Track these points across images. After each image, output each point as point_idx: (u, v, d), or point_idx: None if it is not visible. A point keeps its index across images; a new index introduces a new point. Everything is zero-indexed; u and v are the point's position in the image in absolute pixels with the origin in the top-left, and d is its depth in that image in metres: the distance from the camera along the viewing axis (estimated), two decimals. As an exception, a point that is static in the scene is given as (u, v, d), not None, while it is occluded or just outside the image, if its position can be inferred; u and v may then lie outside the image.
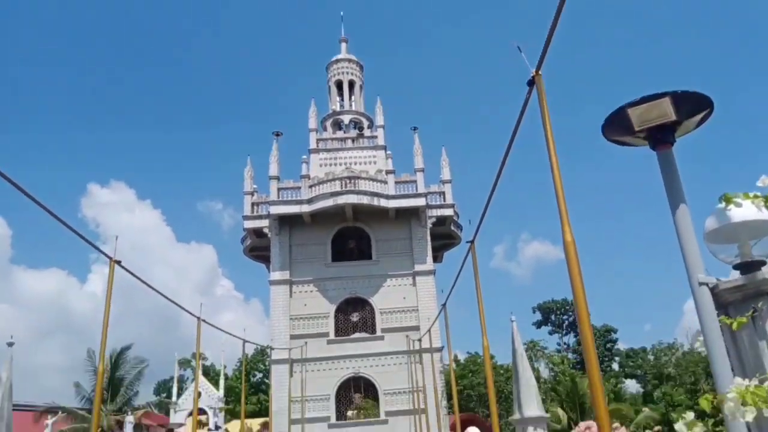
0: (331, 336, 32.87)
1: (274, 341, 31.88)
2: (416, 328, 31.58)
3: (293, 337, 32.24)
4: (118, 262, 10.82)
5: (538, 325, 61.75)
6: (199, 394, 56.50)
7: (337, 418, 32.02)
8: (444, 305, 17.19)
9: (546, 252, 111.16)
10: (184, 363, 68.39)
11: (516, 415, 6.96)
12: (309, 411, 31.42)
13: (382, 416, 31.87)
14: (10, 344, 9.83)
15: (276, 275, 33.28)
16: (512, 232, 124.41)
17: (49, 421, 33.13)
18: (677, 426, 3.18)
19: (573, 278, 6.74)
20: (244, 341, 22.99)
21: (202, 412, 51.66)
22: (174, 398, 54.25)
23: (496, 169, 7.16)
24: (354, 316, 33.44)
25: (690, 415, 3.15)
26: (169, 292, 15.15)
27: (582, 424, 6.69)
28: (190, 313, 15.54)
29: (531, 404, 6.93)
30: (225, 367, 63.63)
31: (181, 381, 60.11)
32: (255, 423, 48.01)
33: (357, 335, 33.01)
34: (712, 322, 3.60)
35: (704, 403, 3.03)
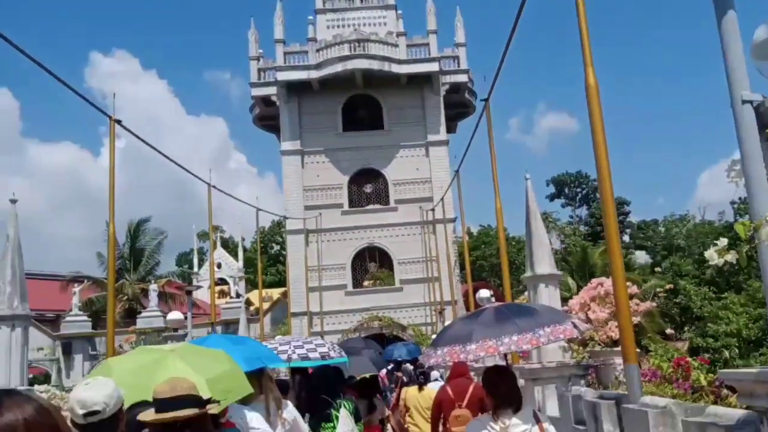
0: (345, 207, 32.97)
1: (288, 212, 32.08)
2: (429, 200, 31.50)
3: (307, 207, 32.39)
4: (119, 122, 10.48)
5: (551, 198, 61.76)
6: (219, 264, 58.39)
7: (354, 286, 32.82)
8: (457, 171, 16.87)
9: (562, 124, 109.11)
10: (203, 235, 70.13)
11: (528, 273, 6.74)
12: (326, 279, 32.15)
13: (397, 284, 32.65)
14: (13, 201, 9.69)
15: (287, 145, 32.88)
16: (528, 104, 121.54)
17: (76, 289, 34.30)
18: (707, 253, 2.86)
19: (594, 124, 6.26)
20: (258, 209, 23.05)
21: (222, 282, 53.46)
22: (195, 269, 55.94)
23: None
24: (367, 187, 33.35)
25: (723, 242, 2.82)
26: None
27: (594, 281, 6.42)
28: (200, 179, 15.38)
29: (543, 262, 6.69)
30: (243, 239, 65.27)
31: (202, 253, 61.92)
32: (275, 292, 49.75)
33: (371, 206, 33.15)
34: (754, 144, 3.17)
35: (740, 229, 2.71)
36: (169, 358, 4.19)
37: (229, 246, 64.53)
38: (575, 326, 4.29)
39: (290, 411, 5.20)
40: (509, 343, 4.05)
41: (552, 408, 6.33)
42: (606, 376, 6.48)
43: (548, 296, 6.64)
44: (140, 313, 32.29)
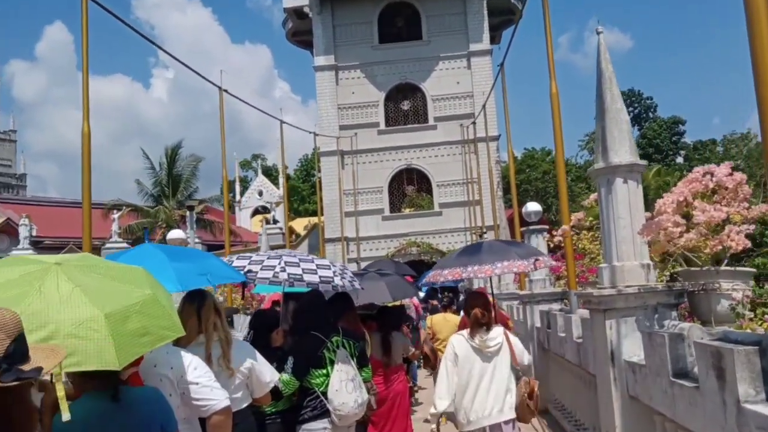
0: (382, 126, 30.93)
1: (322, 129, 30.29)
2: (470, 116, 29.08)
3: (342, 127, 30.50)
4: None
5: None
6: (260, 192, 57.62)
7: (391, 211, 31.27)
8: (501, 65, 14.61)
9: (614, 41, 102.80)
10: (245, 164, 69.37)
11: (599, 164, 4.74)
12: (362, 204, 30.64)
13: (436, 208, 30.91)
14: None
15: (320, 60, 30.67)
16: (579, 20, 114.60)
17: (115, 215, 33.90)
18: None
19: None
20: (282, 122, 21.33)
21: (264, 210, 52.83)
22: (237, 197, 55.56)
23: None
24: (405, 104, 31.12)
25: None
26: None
27: (698, 169, 4.52)
28: (211, 82, 13.61)
29: (622, 146, 4.69)
30: (287, 167, 64.18)
31: (245, 181, 61.20)
32: (316, 220, 48.72)
33: (408, 125, 31.04)
34: None
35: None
36: (49, 275, 2.51)
37: (272, 174, 63.70)
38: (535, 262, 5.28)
39: (243, 355, 3.57)
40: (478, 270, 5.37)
41: (631, 350, 4.54)
42: (705, 307, 4.63)
43: (628, 196, 4.72)
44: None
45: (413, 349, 7.09)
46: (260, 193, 56.74)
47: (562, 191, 7.87)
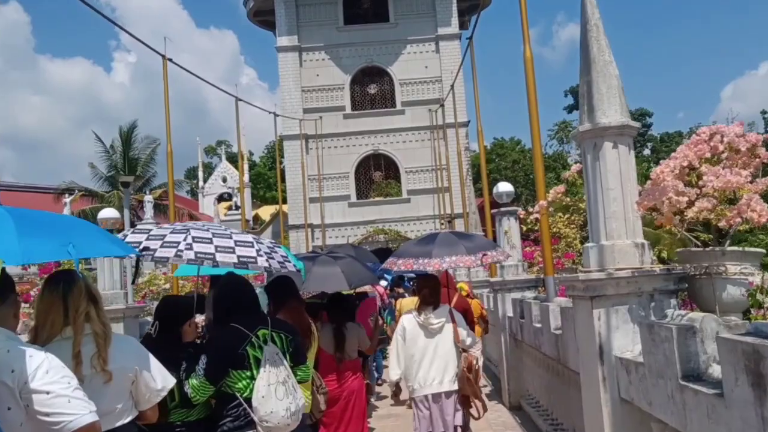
0: (348, 110, 30.03)
1: (286, 113, 29.19)
2: (439, 101, 28.42)
3: (306, 110, 29.49)
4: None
5: (570, 109, 58.26)
6: (224, 178, 56.25)
7: (358, 197, 30.47)
8: (470, 39, 13.84)
9: (577, 33, 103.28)
10: (210, 150, 67.76)
11: (585, 125, 3.96)
12: (327, 190, 29.75)
13: (404, 195, 30.22)
14: None
15: (283, 41, 29.57)
16: (547, 14, 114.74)
17: (67, 200, 32.40)
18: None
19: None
20: (237, 99, 20.27)
21: (229, 196, 51.66)
22: (201, 183, 54.31)
23: None
24: (371, 87, 30.22)
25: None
26: (194, 82, 12.46)
27: (705, 129, 3.71)
28: (156, 51, 12.54)
29: (611, 105, 3.93)
30: (252, 153, 62.85)
31: (209, 167, 59.74)
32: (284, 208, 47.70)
33: (375, 109, 30.15)
34: None
35: None
36: None
37: (237, 160, 62.39)
38: (482, 257, 5.20)
39: (126, 353, 2.70)
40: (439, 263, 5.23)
41: (624, 345, 3.78)
42: (708, 294, 3.92)
43: (618, 163, 3.95)
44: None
45: (370, 342, 6.26)
46: (224, 179, 55.45)
47: (537, 157, 7.08)
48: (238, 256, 3.44)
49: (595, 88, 4.14)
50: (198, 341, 3.88)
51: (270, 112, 27.23)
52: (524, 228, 8.29)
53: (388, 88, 30.15)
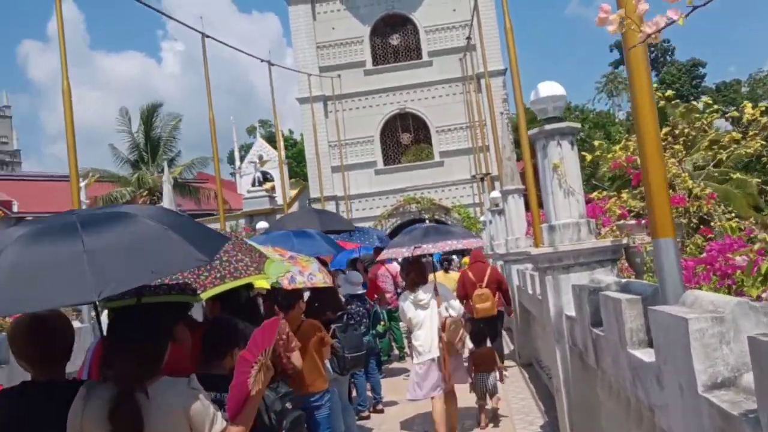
0: (368, 65, 31.52)
1: (300, 74, 30.57)
2: (472, 49, 29.47)
3: (323, 69, 30.95)
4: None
5: (616, 64, 61.13)
6: (260, 156, 58.36)
7: (385, 163, 31.96)
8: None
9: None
10: (252, 131, 70.43)
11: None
12: (350, 157, 31.24)
13: (437, 158, 31.60)
14: None
15: (293, -9, 31.00)
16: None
17: (82, 183, 34.85)
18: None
19: None
20: (270, 63, 22.37)
21: (264, 175, 53.47)
22: (237, 163, 56.21)
23: None
24: (394, 38, 31.61)
25: None
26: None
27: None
28: (189, 27, 14.98)
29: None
30: (292, 132, 65.59)
31: (247, 147, 62.04)
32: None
33: (399, 63, 31.52)
34: None
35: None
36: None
37: (275, 141, 65.08)
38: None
39: None
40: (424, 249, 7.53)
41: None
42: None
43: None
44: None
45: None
46: (260, 158, 57.16)
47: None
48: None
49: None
50: None
51: (300, 72, 28.69)
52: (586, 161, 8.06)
53: (412, 37, 31.48)
